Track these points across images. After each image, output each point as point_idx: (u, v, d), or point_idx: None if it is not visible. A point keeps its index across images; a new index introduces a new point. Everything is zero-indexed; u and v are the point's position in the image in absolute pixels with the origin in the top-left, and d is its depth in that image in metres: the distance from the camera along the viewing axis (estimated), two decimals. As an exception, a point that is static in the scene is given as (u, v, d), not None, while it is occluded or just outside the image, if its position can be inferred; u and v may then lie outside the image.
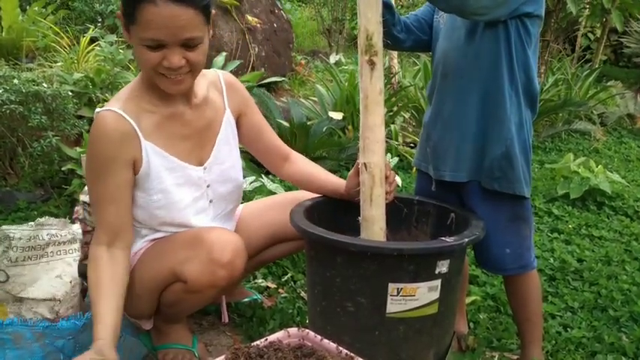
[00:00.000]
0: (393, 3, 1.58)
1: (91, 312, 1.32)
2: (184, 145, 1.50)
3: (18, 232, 1.39)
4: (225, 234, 1.46)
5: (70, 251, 1.50)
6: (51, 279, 1.44)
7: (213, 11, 1.37)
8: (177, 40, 1.29)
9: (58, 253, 1.47)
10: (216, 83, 1.59)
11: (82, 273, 1.94)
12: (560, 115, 5.16)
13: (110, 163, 1.38)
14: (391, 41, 1.58)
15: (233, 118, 1.61)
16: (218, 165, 1.57)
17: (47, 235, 1.43)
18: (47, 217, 1.46)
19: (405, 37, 1.63)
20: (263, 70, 4.59)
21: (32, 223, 1.43)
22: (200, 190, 1.54)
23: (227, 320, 1.81)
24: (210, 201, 1.58)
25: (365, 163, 1.38)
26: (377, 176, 1.39)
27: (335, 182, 1.65)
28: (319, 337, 1.18)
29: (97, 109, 1.42)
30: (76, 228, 1.52)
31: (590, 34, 8.72)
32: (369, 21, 1.30)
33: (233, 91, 1.61)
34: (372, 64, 1.32)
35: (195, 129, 1.52)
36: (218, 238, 1.42)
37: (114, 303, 1.32)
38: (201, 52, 1.35)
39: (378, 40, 1.31)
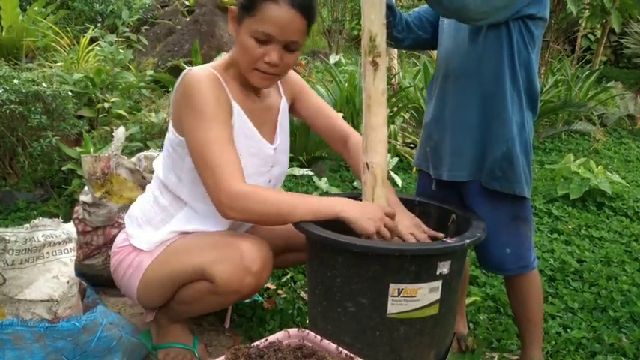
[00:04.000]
0: (394, 3, 1.58)
1: (306, 202, 1.40)
2: (260, 122, 1.58)
3: (13, 234, 1.39)
4: (258, 243, 1.48)
5: (66, 251, 1.49)
6: (48, 280, 1.44)
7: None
8: (283, 39, 1.42)
9: (54, 253, 1.47)
10: None
11: (81, 273, 1.94)
12: (560, 115, 5.17)
13: (221, 104, 1.43)
14: (391, 41, 1.58)
15: (287, 105, 1.70)
16: (281, 150, 1.65)
17: (42, 236, 1.43)
18: (41, 218, 1.46)
19: (404, 37, 1.63)
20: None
21: (27, 225, 1.43)
22: (266, 166, 1.59)
23: (228, 326, 1.81)
24: (269, 181, 1.62)
25: (367, 163, 1.39)
26: (379, 176, 1.39)
27: None
28: (319, 337, 1.18)
29: (184, 71, 1.47)
30: (70, 227, 1.51)
31: (590, 35, 8.74)
32: (373, 22, 1.31)
33: (286, 78, 1.68)
34: (375, 64, 1.33)
35: (264, 113, 1.61)
36: (251, 246, 1.45)
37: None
38: (294, 58, 1.49)
39: (381, 41, 1.32)
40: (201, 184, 1.48)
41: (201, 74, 1.44)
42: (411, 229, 1.48)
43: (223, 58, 1.56)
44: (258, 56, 1.43)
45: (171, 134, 1.54)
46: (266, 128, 1.61)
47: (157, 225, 1.58)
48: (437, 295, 1.34)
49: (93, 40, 4.12)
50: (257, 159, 1.56)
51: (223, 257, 1.43)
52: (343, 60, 5.78)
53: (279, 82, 1.67)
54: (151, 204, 1.61)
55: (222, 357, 1.08)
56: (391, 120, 4.03)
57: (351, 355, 1.14)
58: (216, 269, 1.42)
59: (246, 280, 1.43)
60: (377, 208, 1.39)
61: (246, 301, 1.94)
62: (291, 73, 1.71)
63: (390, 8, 1.50)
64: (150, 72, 3.87)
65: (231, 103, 1.49)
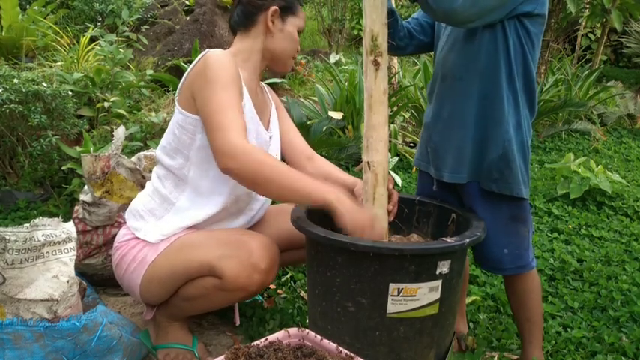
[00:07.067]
0: (394, 7, 1.58)
1: (302, 178, 1.39)
2: (259, 112, 1.66)
3: (13, 234, 1.39)
4: (267, 242, 1.49)
5: (66, 250, 1.49)
6: (48, 279, 1.43)
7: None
8: None
9: (54, 252, 1.47)
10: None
11: (81, 272, 1.94)
12: (560, 115, 5.17)
13: (235, 77, 1.49)
14: (392, 49, 1.57)
15: (275, 111, 1.78)
16: (274, 142, 1.72)
17: (42, 235, 1.43)
18: (41, 217, 1.46)
19: (406, 44, 1.64)
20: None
21: (27, 224, 1.43)
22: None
23: (238, 322, 1.81)
24: None
25: (368, 162, 1.39)
26: (380, 175, 1.39)
27: (351, 180, 1.72)
28: (319, 336, 1.18)
29: (204, 51, 1.54)
30: (70, 226, 1.51)
31: (590, 34, 8.74)
32: (375, 22, 1.32)
33: (270, 90, 1.84)
34: (376, 64, 1.34)
35: (262, 106, 1.71)
36: (260, 244, 1.47)
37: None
38: None
39: (382, 41, 1.33)
40: (208, 162, 1.50)
41: (222, 54, 1.51)
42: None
43: (239, 49, 1.64)
44: (298, 46, 1.67)
45: (179, 116, 1.55)
46: (264, 120, 1.69)
47: (160, 214, 1.59)
48: (437, 295, 1.34)
49: (93, 40, 4.11)
50: (256, 142, 1.60)
51: (232, 253, 1.45)
52: (343, 59, 5.79)
53: (268, 90, 1.81)
54: (151, 195, 1.63)
55: (222, 356, 1.08)
56: (391, 119, 4.03)
57: (351, 354, 1.13)
58: (225, 265, 1.44)
59: (254, 277, 1.44)
60: (369, 218, 1.38)
61: (247, 300, 1.94)
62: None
63: (391, 13, 1.49)
64: (150, 71, 3.87)
65: (242, 86, 1.54)
